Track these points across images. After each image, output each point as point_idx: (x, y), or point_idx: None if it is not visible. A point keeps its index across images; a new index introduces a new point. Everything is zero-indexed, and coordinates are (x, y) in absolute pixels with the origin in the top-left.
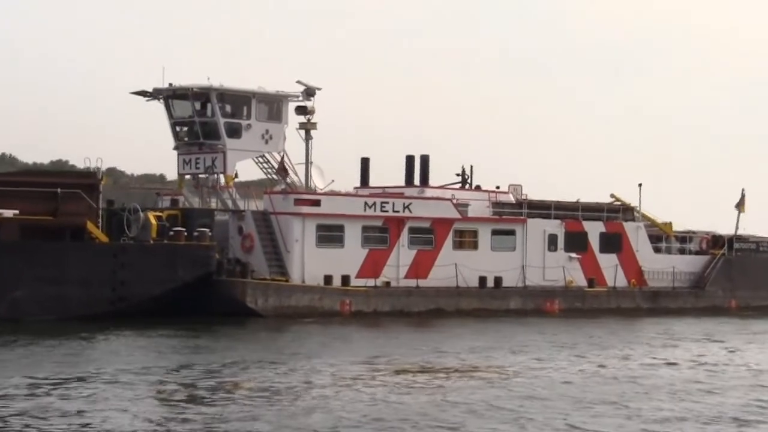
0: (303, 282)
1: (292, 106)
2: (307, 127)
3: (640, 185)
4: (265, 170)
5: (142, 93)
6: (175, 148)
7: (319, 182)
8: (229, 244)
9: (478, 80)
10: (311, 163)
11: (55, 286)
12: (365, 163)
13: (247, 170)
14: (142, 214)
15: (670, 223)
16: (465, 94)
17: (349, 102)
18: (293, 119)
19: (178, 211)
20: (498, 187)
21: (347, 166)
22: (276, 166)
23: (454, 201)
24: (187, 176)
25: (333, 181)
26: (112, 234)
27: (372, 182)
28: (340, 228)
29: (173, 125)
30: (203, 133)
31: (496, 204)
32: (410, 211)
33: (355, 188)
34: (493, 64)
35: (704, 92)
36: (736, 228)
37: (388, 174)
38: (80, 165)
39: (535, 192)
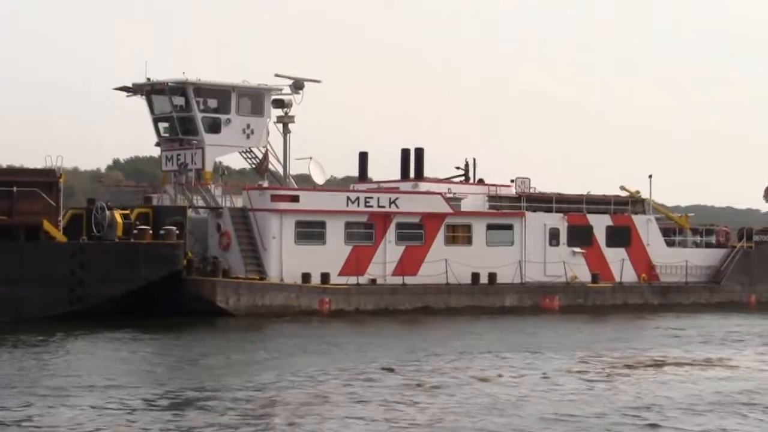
0: (281, 280)
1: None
2: (285, 121)
3: (650, 177)
4: (251, 164)
5: (124, 89)
6: (157, 144)
7: (318, 178)
8: (208, 242)
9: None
10: (310, 158)
11: (8, 287)
12: (363, 157)
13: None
14: (108, 213)
15: (686, 216)
16: (472, 87)
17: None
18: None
19: (149, 209)
20: (513, 181)
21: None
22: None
23: (448, 195)
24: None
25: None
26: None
27: (377, 177)
28: (321, 224)
29: (154, 121)
30: (181, 129)
31: (494, 198)
32: (397, 206)
33: (353, 183)
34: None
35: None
36: None
37: (390, 168)
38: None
39: (548, 186)
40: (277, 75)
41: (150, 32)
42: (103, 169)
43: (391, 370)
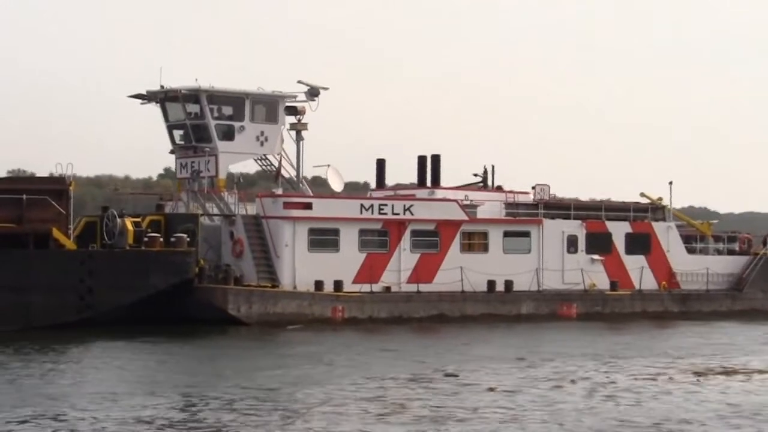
0: (294, 288)
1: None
2: (298, 128)
3: (670, 183)
4: (267, 171)
5: (139, 96)
6: (172, 151)
7: (336, 185)
8: (221, 249)
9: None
10: (328, 165)
11: (17, 295)
12: (381, 164)
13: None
14: (119, 220)
15: (708, 223)
16: (490, 94)
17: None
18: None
19: (161, 217)
20: (538, 188)
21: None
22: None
23: (465, 202)
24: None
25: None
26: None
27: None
28: (335, 232)
29: (169, 128)
30: (195, 137)
31: (511, 205)
32: (411, 213)
33: (371, 190)
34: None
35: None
36: None
37: (408, 175)
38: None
39: (570, 194)
40: (300, 82)
41: (162, 39)
42: (154, 177)
43: (455, 375)
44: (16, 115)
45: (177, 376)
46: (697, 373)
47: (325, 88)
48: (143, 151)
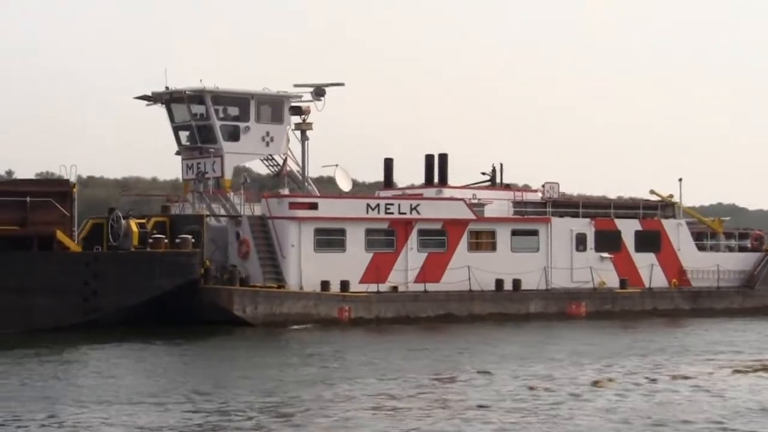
0: (301, 288)
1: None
2: (303, 128)
3: (680, 180)
4: (273, 172)
5: (144, 98)
6: (178, 152)
7: (344, 185)
8: (228, 250)
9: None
10: (336, 165)
11: (21, 297)
12: (388, 163)
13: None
14: (123, 222)
15: (719, 220)
16: (500, 92)
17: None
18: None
19: (166, 218)
20: (547, 186)
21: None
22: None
23: (472, 201)
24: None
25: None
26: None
27: (404, 184)
28: (341, 232)
29: (175, 129)
30: (200, 137)
31: (519, 203)
32: (418, 213)
33: (378, 190)
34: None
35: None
36: None
37: (416, 174)
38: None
39: (580, 191)
40: (296, 85)
41: (171, 41)
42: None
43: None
44: (41, 117)
45: (186, 378)
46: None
47: (341, 84)
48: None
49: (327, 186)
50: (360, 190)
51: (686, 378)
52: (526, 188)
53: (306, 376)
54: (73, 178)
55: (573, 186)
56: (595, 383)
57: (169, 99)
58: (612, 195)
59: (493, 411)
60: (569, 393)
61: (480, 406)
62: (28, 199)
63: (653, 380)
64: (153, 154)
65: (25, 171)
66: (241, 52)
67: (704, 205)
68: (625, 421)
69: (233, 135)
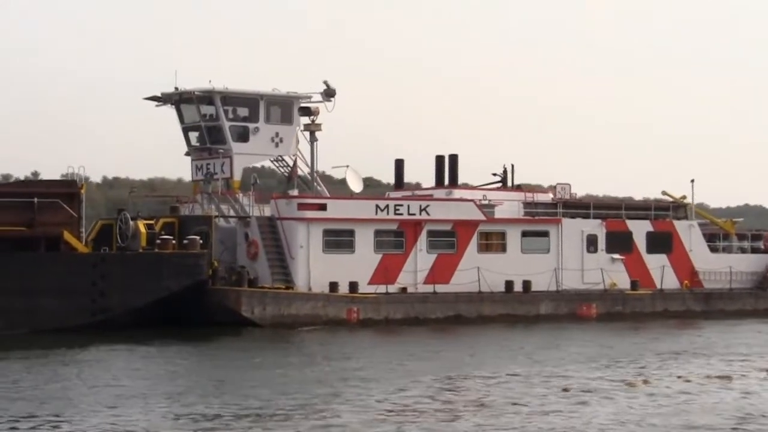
0: (309, 289)
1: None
2: (312, 129)
3: (692, 181)
4: (283, 172)
5: (154, 98)
6: (187, 153)
7: (355, 186)
8: (236, 251)
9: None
10: (347, 166)
11: (28, 298)
12: (399, 164)
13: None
14: (131, 223)
15: (732, 221)
16: (500, 92)
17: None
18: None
19: (174, 219)
20: (559, 187)
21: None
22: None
23: (483, 201)
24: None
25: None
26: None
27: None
28: (350, 233)
29: (184, 130)
30: (210, 138)
31: (529, 204)
32: (428, 214)
33: (388, 191)
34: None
35: None
36: None
37: (427, 175)
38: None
39: (594, 192)
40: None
41: (171, 40)
42: None
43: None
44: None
45: (194, 379)
46: None
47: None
48: None
49: (336, 186)
50: (375, 190)
51: (722, 378)
52: (539, 189)
53: (319, 377)
54: (83, 179)
55: (574, 186)
56: (630, 384)
57: (178, 100)
58: (612, 195)
59: (530, 411)
60: (603, 396)
61: (514, 404)
62: (35, 200)
63: (688, 380)
64: (179, 154)
65: (51, 172)
66: (241, 52)
67: (731, 206)
68: (665, 423)
69: (242, 136)
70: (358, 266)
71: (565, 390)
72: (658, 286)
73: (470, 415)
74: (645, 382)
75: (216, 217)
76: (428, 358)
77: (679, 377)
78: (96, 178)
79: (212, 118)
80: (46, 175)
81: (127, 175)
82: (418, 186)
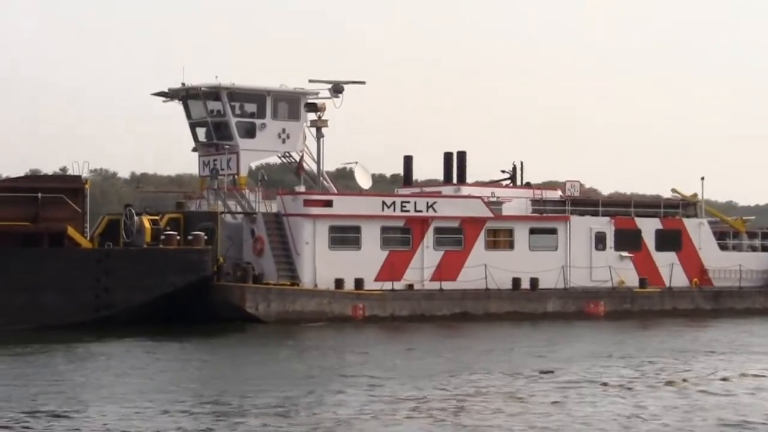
0: (315, 286)
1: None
2: (318, 125)
3: (702, 179)
4: (291, 169)
5: (161, 94)
6: (194, 149)
7: (363, 182)
8: (242, 247)
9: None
10: (356, 162)
11: (32, 294)
12: (408, 161)
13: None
14: (136, 218)
15: (742, 219)
16: (500, 92)
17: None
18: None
19: (180, 215)
20: (569, 184)
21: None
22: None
23: (490, 198)
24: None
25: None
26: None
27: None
28: (356, 229)
29: (191, 126)
30: (217, 134)
31: (537, 201)
32: (435, 211)
33: (397, 188)
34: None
35: None
36: None
37: (436, 171)
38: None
39: (606, 190)
40: (311, 81)
41: (170, 40)
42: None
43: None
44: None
45: (198, 375)
46: None
47: (362, 83)
48: None
49: (352, 182)
50: (383, 187)
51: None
52: (548, 185)
53: (320, 373)
54: (84, 174)
55: (599, 185)
56: (670, 383)
57: (185, 95)
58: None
59: (570, 409)
60: (646, 395)
61: (553, 402)
62: (39, 195)
63: (725, 379)
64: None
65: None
66: (242, 53)
67: (759, 205)
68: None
69: (249, 132)
70: (364, 263)
71: (604, 384)
72: (667, 284)
73: (473, 413)
74: (684, 381)
75: (222, 213)
76: (434, 356)
77: (724, 379)
78: (124, 174)
79: (219, 114)
80: (74, 171)
81: (155, 171)
82: (428, 183)
